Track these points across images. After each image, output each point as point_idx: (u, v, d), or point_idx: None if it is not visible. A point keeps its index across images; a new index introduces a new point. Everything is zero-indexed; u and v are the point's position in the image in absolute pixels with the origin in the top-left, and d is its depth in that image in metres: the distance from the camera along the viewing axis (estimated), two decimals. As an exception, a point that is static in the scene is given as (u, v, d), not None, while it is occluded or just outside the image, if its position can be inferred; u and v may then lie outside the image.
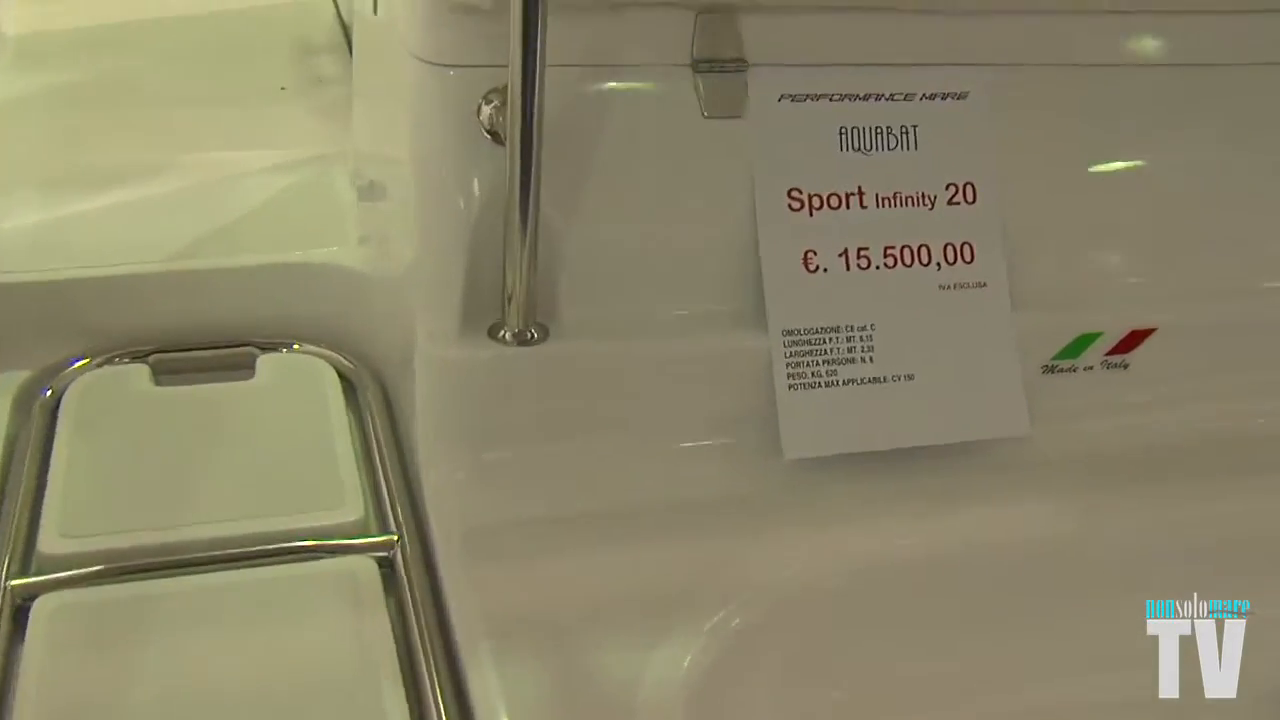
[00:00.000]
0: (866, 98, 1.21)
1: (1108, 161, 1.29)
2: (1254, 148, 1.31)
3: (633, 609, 1.01)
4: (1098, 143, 1.29)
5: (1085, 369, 1.29)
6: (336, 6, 2.52)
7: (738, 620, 1.02)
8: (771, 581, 1.06)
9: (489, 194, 1.11)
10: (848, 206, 1.20)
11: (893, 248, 1.21)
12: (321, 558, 1.07)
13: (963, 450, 1.22)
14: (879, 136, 1.21)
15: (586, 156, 1.14)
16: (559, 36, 1.02)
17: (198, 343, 1.35)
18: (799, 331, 1.18)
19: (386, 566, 1.07)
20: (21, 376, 1.28)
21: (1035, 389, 1.24)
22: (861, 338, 1.19)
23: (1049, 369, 1.27)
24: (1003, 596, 1.13)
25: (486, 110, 1.11)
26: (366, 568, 1.05)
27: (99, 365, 1.30)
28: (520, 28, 1.00)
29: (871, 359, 1.19)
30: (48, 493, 1.12)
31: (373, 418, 1.27)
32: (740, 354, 1.17)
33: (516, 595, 1.02)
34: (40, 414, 1.24)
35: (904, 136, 1.22)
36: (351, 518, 1.11)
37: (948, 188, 1.23)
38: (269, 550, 1.07)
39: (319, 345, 1.36)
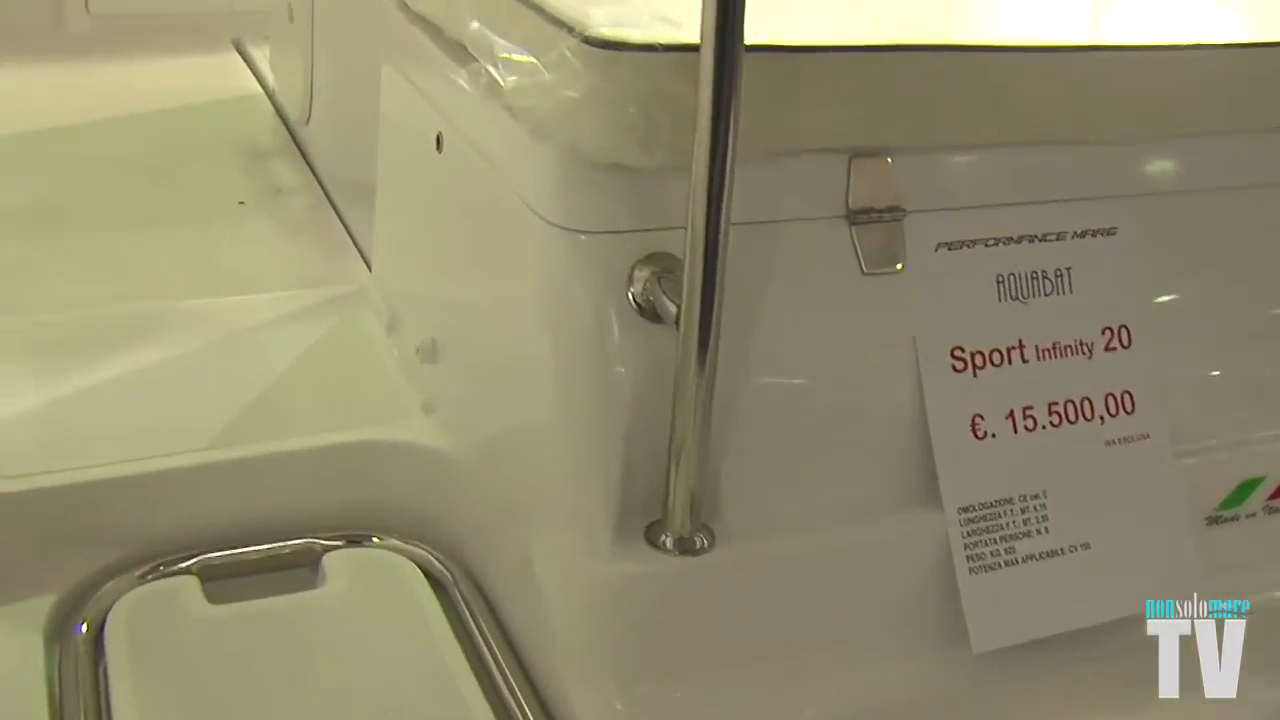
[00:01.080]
0: (1020, 240, 1.11)
1: (1250, 291, 1.21)
2: None
3: None
4: (1239, 271, 1.20)
5: (1248, 516, 1.20)
6: (273, 103, 2.32)
7: None
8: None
9: (643, 377, 0.96)
10: (1009, 362, 1.10)
11: (1056, 404, 1.11)
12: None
13: (1139, 617, 1.11)
14: (1035, 282, 1.11)
15: (743, 325, 0.99)
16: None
17: (248, 540, 1.15)
18: (974, 508, 1.06)
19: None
20: (47, 602, 1.07)
21: (1202, 542, 1.14)
22: (1035, 507, 1.08)
23: (1213, 520, 1.18)
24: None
25: (639, 281, 0.96)
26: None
27: (139, 579, 1.10)
28: (705, 185, 0.86)
29: (1047, 530, 1.09)
30: (123, 764, 0.92)
31: (479, 626, 1.09)
32: (916, 537, 1.05)
33: None
34: (83, 651, 1.03)
35: (1059, 280, 1.12)
36: (501, 768, 0.93)
37: (1104, 332, 1.13)
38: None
39: (393, 536, 1.17)
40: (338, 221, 1.85)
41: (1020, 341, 1.10)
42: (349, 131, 1.98)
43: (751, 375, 1.00)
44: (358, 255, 1.71)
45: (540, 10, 0.96)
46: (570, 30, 0.92)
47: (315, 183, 2.01)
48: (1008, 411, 1.08)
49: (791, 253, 1.01)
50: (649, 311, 0.96)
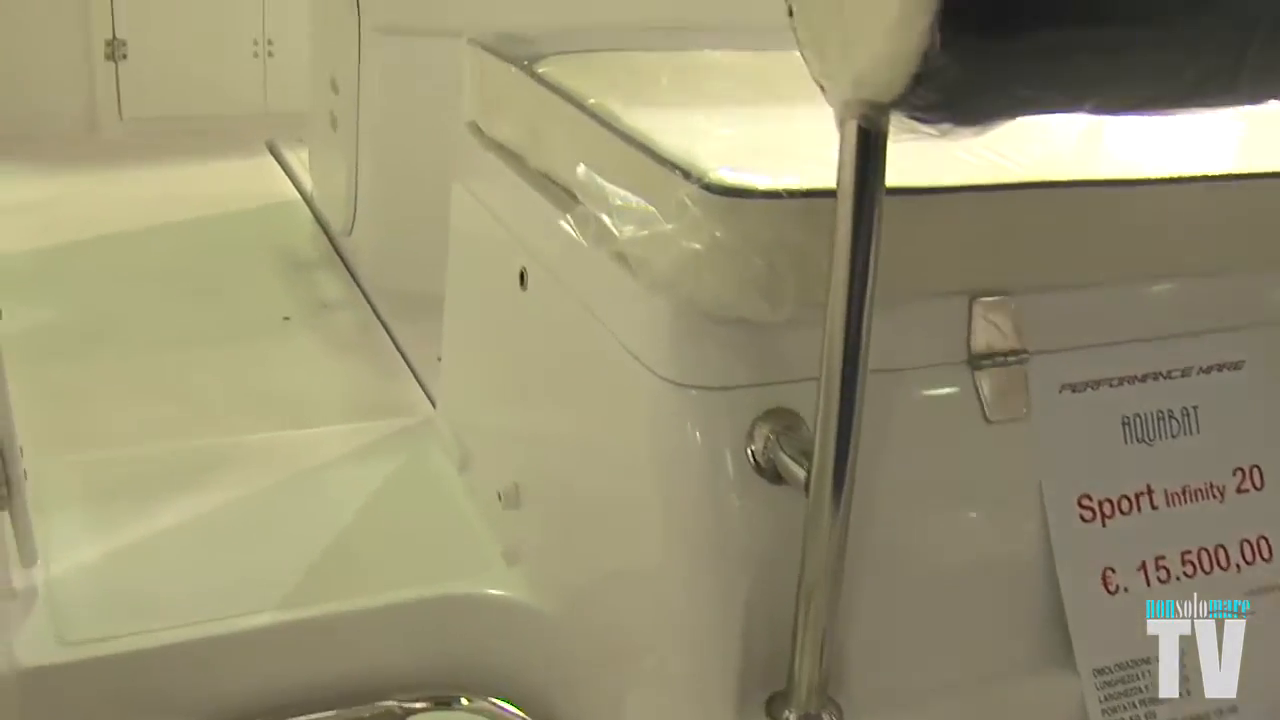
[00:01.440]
0: (1144, 379, 1.05)
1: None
2: None
3: None
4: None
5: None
6: (312, 209, 2.27)
7: None
8: None
9: (764, 541, 0.90)
10: (1139, 509, 1.03)
11: (1190, 552, 1.04)
12: None
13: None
14: (1161, 423, 1.05)
15: (865, 480, 0.92)
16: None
17: (325, 703, 1.07)
18: (1110, 669, 0.99)
19: None
20: (110, 784, 0.99)
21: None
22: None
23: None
24: None
25: (759, 439, 0.89)
26: None
27: (210, 754, 1.02)
28: (841, 338, 0.80)
29: (1189, 691, 1.01)
30: None
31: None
32: (1051, 702, 0.98)
33: None
34: (154, 842, 0.95)
35: (1185, 420, 1.06)
36: None
37: (1235, 473, 1.07)
38: None
39: (479, 695, 1.09)
40: (387, 338, 1.80)
41: (1149, 486, 1.04)
42: (395, 242, 1.94)
43: (874, 533, 0.93)
44: (412, 377, 1.66)
45: (651, 152, 0.90)
46: (687, 175, 0.86)
47: (360, 295, 1.96)
48: (1139, 563, 1.02)
49: (912, 402, 0.96)
50: (769, 471, 0.89)
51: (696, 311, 0.87)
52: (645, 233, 0.85)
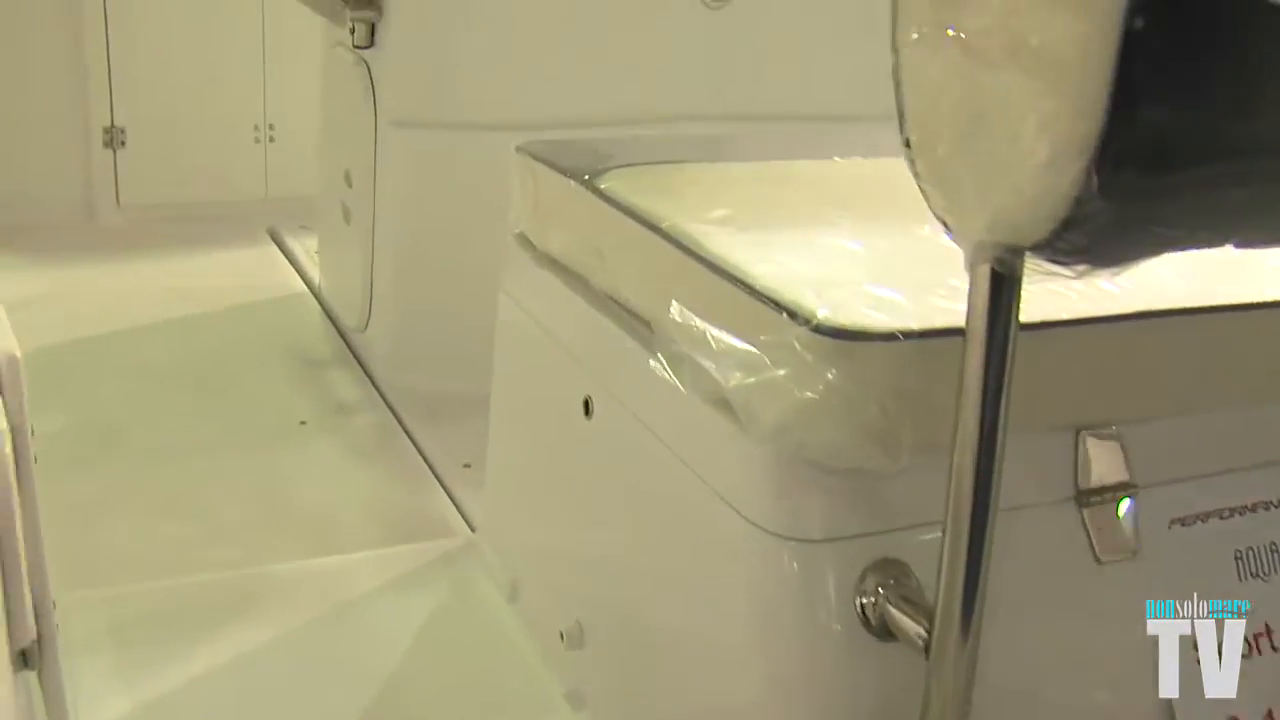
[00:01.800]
0: (1255, 508, 0.99)
1: None
2: None
3: None
4: None
5: None
6: (320, 301, 2.20)
7: None
8: None
9: (871, 699, 0.83)
10: (1259, 651, 0.97)
11: (1315, 697, 0.97)
12: None
13: None
14: (1275, 556, 0.99)
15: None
16: (935, 486, 0.74)
17: None
18: (1238, 828, 0.92)
19: None
20: None
21: None
22: (1304, 826, 0.94)
23: None
24: None
25: (869, 594, 0.83)
26: None
27: None
28: (971, 483, 0.73)
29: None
30: None
31: None
32: None
33: None
34: None
35: (1299, 551, 1.00)
36: None
37: (1352, 607, 1.00)
38: None
39: None
40: (409, 443, 1.72)
41: (1267, 626, 0.97)
42: (412, 340, 1.87)
43: (985, 683, 0.86)
44: (439, 486, 1.58)
45: (749, 288, 0.84)
46: (794, 316, 0.80)
47: (377, 395, 1.88)
48: (1265, 712, 0.95)
49: (1020, 544, 0.88)
50: (877, 627, 0.83)
51: (801, 460, 0.81)
52: (753, 380, 0.78)
